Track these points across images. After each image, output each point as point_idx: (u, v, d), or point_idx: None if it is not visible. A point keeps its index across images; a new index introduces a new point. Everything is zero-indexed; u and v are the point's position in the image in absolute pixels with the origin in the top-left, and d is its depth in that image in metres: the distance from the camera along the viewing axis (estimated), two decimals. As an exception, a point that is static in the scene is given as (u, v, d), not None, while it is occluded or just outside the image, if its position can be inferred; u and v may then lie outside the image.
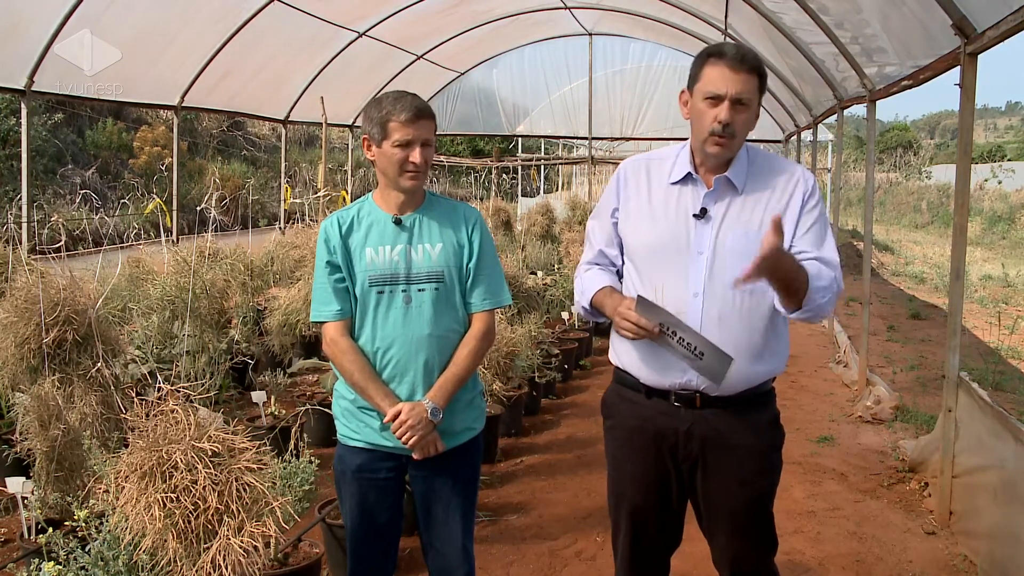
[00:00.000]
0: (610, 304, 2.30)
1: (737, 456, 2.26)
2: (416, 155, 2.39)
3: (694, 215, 2.24)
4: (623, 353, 2.37)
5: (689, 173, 2.28)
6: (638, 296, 2.19)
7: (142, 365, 4.72)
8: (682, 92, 2.31)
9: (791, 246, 2.23)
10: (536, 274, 8.84)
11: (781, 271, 2.03)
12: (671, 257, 2.25)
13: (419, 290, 2.44)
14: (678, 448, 2.29)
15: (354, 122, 12.59)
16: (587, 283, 2.41)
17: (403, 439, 2.38)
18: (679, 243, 2.25)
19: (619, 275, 2.45)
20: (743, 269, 1.98)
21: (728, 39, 9.49)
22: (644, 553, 2.45)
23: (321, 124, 9.00)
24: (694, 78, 2.24)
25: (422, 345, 2.43)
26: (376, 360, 2.45)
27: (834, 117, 8.40)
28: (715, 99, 2.17)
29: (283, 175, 12.28)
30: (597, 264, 2.46)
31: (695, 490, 2.34)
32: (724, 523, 2.33)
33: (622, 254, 2.42)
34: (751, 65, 2.17)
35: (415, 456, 2.44)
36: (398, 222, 2.47)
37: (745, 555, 2.36)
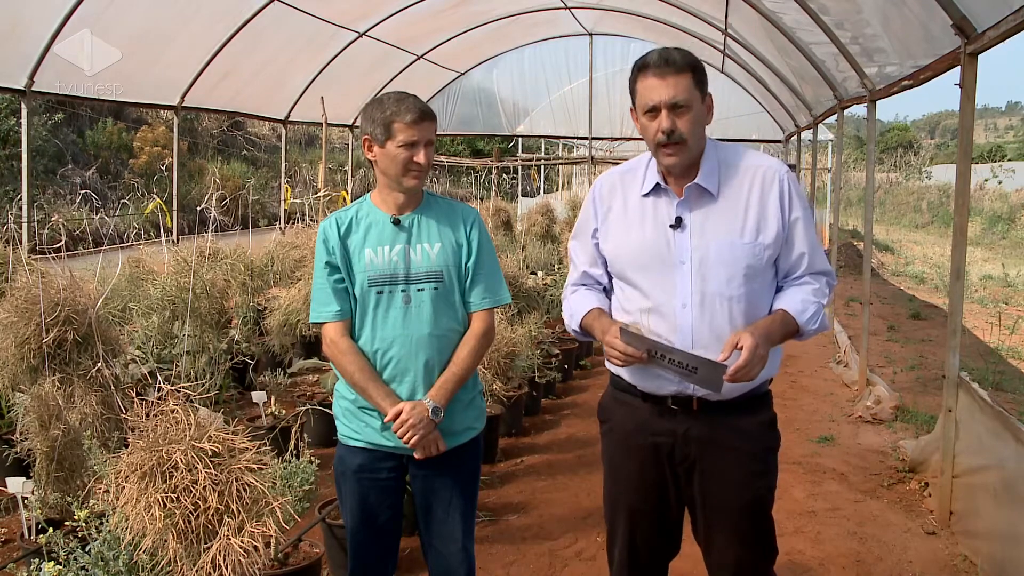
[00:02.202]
0: (599, 328, 2.30)
1: (734, 458, 2.25)
2: (421, 156, 2.41)
3: (670, 226, 2.22)
4: None
5: (658, 184, 2.26)
6: (620, 328, 2.19)
7: (142, 365, 4.72)
8: (631, 110, 2.31)
9: (779, 254, 2.24)
10: (536, 274, 8.83)
11: (766, 349, 2.12)
12: (655, 269, 2.24)
13: (418, 290, 2.45)
14: (675, 451, 2.29)
15: (354, 122, 12.58)
16: (575, 305, 2.40)
17: (404, 438, 2.38)
18: (660, 255, 2.23)
19: (606, 292, 2.43)
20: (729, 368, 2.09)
21: (728, 39, 9.50)
22: (641, 558, 2.43)
23: (321, 124, 9.00)
24: (632, 95, 2.25)
25: (422, 345, 2.43)
26: (376, 360, 2.45)
27: (834, 117, 8.40)
28: (653, 111, 2.16)
29: (283, 175, 12.29)
30: (584, 285, 2.44)
31: (692, 494, 2.33)
32: (722, 526, 2.32)
33: (607, 272, 2.40)
34: (678, 65, 2.14)
35: (417, 455, 2.43)
36: (396, 222, 2.47)
37: (744, 561, 2.34)
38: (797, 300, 2.23)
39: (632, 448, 2.35)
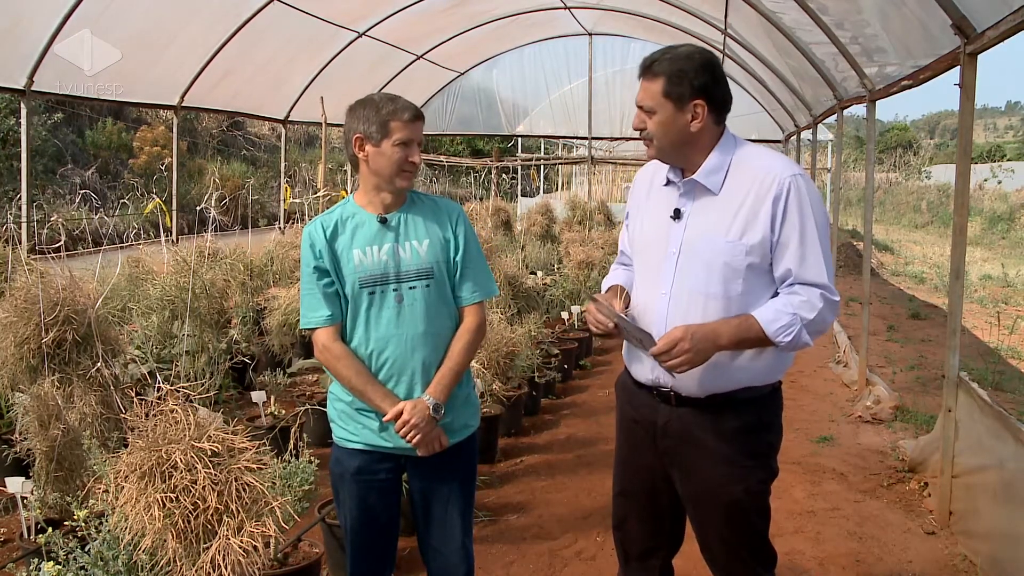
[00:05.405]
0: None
1: (708, 459, 2.27)
2: (415, 155, 2.43)
3: (670, 216, 2.29)
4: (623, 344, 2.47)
5: (669, 176, 2.35)
6: (593, 296, 2.34)
7: (142, 365, 4.72)
8: None
9: (772, 260, 2.20)
10: (536, 274, 8.85)
11: (698, 346, 2.12)
12: (654, 256, 2.33)
13: (410, 288, 2.44)
14: (657, 440, 2.34)
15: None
16: (606, 280, 2.58)
17: (408, 438, 2.38)
18: (660, 243, 2.31)
19: None
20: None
21: (728, 39, 9.50)
22: (632, 545, 2.49)
23: (321, 124, 9.00)
24: None
25: (418, 343, 2.43)
26: (372, 362, 2.44)
27: (834, 117, 8.39)
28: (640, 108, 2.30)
29: (283, 175, 12.29)
30: (623, 264, 2.60)
31: (680, 490, 2.37)
32: (704, 526, 2.36)
33: None
34: (652, 72, 2.22)
35: (420, 453, 2.43)
36: (384, 221, 2.47)
37: (727, 563, 2.36)
38: (771, 309, 2.18)
39: (624, 429, 2.48)
